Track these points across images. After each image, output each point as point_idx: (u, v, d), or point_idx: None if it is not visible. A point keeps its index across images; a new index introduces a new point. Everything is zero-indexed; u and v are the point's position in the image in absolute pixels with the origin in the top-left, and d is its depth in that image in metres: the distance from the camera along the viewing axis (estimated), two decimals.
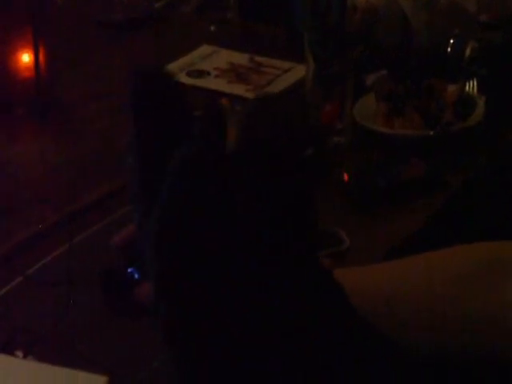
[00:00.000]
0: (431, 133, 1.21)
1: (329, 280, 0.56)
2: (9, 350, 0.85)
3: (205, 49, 1.55)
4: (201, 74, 1.46)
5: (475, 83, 1.30)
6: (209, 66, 1.48)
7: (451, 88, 1.27)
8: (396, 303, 0.79)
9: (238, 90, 1.40)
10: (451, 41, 1.36)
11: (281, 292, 0.52)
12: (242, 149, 0.50)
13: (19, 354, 0.85)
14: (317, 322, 0.53)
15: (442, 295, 0.78)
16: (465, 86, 1.29)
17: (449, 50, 1.36)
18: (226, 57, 1.51)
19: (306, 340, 0.53)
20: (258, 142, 0.50)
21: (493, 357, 0.75)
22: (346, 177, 1.14)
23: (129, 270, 0.90)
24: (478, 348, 0.75)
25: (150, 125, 0.53)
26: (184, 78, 1.44)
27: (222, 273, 0.49)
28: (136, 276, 0.90)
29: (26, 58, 1.36)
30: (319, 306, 0.54)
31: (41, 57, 1.36)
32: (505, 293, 0.74)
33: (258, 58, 1.50)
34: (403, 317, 0.79)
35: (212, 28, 1.63)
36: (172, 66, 1.49)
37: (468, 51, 1.32)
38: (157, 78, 0.53)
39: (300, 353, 0.52)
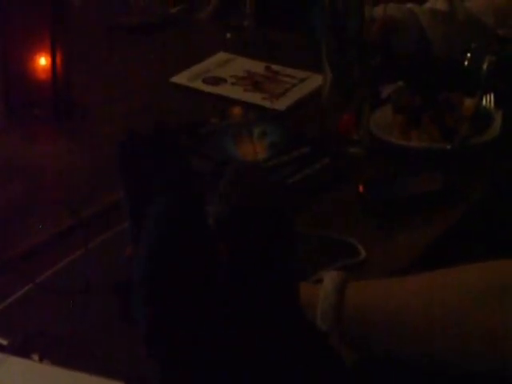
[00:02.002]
0: (448, 146, 1.21)
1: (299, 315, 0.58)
2: (25, 354, 0.85)
3: (221, 56, 1.55)
4: (217, 81, 1.46)
5: (492, 97, 1.30)
6: (225, 74, 1.48)
7: (468, 102, 1.27)
8: (399, 320, 0.80)
9: (254, 98, 1.40)
10: (468, 54, 1.36)
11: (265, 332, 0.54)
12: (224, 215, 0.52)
13: (35, 357, 0.85)
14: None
15: (439, 318, 0.78)
16: (482, 99, 1.29)
17: (466, 63, 1.36)
18: (242, 64, 1.51)
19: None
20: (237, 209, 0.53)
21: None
22: (361, 188, 1.14)
23: None
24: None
25: (135, 178, 0.58)
26: (200, 85, 1.45)
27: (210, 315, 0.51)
28: None
29: (43, 60, 1.37)
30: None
31: (58, 60, 1.37)
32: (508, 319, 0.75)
33: (275, 67, 1.50)
34: (405, 332, 0.80)
35: (228, 35, 1.64)
36: (188, 73, 1.49)
37: (485, 65, 1.32)
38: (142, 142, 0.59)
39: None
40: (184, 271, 0.53)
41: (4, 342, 0.87)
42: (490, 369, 0.78)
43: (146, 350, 0.54)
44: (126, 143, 0.61)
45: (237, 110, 1.36)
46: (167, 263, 0.53)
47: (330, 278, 0.84)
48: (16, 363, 0.84)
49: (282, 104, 1.38)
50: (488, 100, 1.30)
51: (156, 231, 0.53)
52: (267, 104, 1.38)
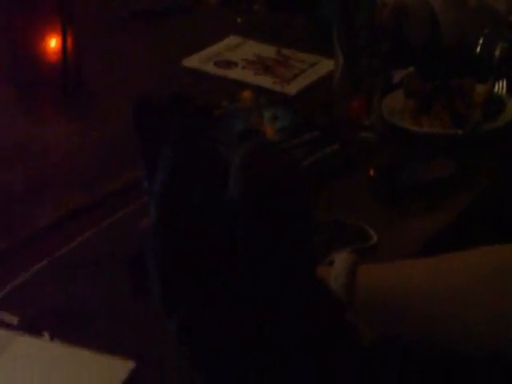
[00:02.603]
0: (459, 132, 1.21)
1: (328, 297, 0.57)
2: (35, 332, 0.85)
3: (232, 40, 1.54)
4: (228, 64, 1.46)
5: (504, 84, 1.29)
6: (236, 57, 1.48)
7: (480, 88, 1.27)
8: (407, 302, 0.80)
9: (265, 82, 1.40)
10: (481, 40, 1.36)
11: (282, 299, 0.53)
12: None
13: (46, 335, 0.85)
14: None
15: (445, 301, 0.78)
16: (494, 86, 1.29)
17: (478, 49, 1.35)
18: (252, 48, 1.51)
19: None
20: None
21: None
22: (372, 173, 1.14)
23: None
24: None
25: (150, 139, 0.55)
26: (211, 68, 1.44)
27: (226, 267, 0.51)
28: None
29: (53, 42, 1.37)
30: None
31: (68, 42, 1.36)
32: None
33: (285, 51, 1.49)
34: (412, 315, 0.79)
35: (238, 19, 1.63)
36: (199, 56, 1.48)
37: (498, 51, 1.31)
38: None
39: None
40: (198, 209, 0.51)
41: (14, 320, 0.87)
42: (491, 352, 0.78)
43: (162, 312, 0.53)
44: (140, 104, 0.58)
45: (247, 94, 1.36)
46: (180, 200, 0.51)
47: (341, 260, 0.84)
48: (26, 341, 0.84)
49: (292, 88, 1.38)
50: (500, 86, 1.29)
51: (170, 165, 0.51)
52: (278, 88, 1.38)
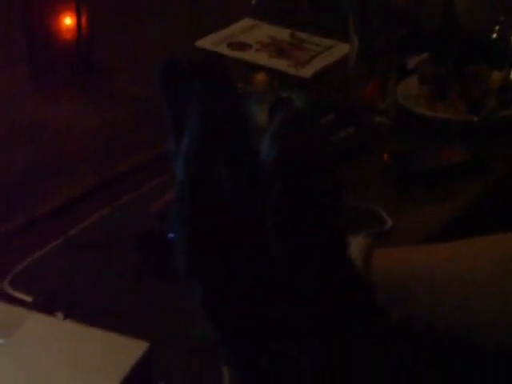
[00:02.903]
0: (474, 119, 1.20)
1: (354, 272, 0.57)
2: (49, 311, 0.85)
3: (246, 22, 1.54)
4: (242, 46, 1.45)
5: None
6: (250, 39, 1.47)
7: (495, 75, 1.26)
8: (425, 286, 0.79)
9: (280, 64, 1.39)
10: (497, 27, 1.35)
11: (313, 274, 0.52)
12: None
13: (59, 315, 0.85)
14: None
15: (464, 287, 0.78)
16: (509, 73, 1.28)
17: (494, 36, 1.35)
18: (266, 31, 1.50)
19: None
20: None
21: None
22: (386, 158, 1.13)
23: (169, 236, 0.90)
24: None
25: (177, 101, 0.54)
26: (225, 50, 1.44)
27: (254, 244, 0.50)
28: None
29: (68, 20, 1.36)
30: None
31: (83, 20, 1.36)
32: None
33: (299, 34, 1.49)
34: (439, 298, 0.79)
35: (252, 1, 1.62)
36: (213, 37, 1.48)
37: None
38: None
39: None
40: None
41: (28, 299, 0.87)
42: (502, 341, 0.78)
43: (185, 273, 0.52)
44: (167, 65, 0.56)
45: (261, 76, 1.35)
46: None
47: (356, 243, 0.84)
48: (40, 319, 0.84)
49: (307, 71, 1.37)
50: None
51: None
52: (292, 71, 1.37)
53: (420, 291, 0.81)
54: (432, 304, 0.80)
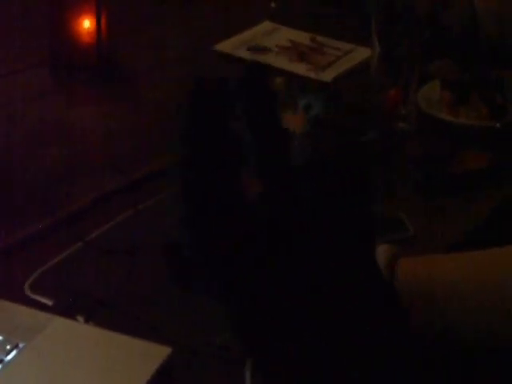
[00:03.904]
0: (497, 124, 1.19)
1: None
2: (70, 315, 0.85)
3: (266, 25, 1.53)
4: (262, 50, 1.44)
5: None
6: (270, 43, 1.47)
7: None
8: (451, 295, 0.79)
9: (300, 69, 1.39)
10: None
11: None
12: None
13: (80, 318, 0.85)
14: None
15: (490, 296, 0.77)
16: None
17: None
18: (287, 35, 1.50)
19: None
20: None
21: None
22: (408, 164, 1.12)
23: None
24: None
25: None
26: (245, 53, 1.43)
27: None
28: None
29: (87, 23, 1.36)
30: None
31: (103, 23, 1.36)
32: None
33: (320, 38, 1.48)
34: (463, 308, 0.79)
35: (272, 4, 1.62)
36: (233, 41, 1.47)
37: None
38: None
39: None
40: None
41: (50, 303, 0.87)
42: None
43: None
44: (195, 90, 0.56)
45: (280, 80, 1.34)
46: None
47: (381, 251, 0.83)
48: (61, 324, 0.83)
49: (327, 76, 1.37)
50: None
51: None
52: (312, 75, 1.37)
53: (444, 301, 0.80)
54: (455, 313, 0.80)
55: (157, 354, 0.79)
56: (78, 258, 0.93)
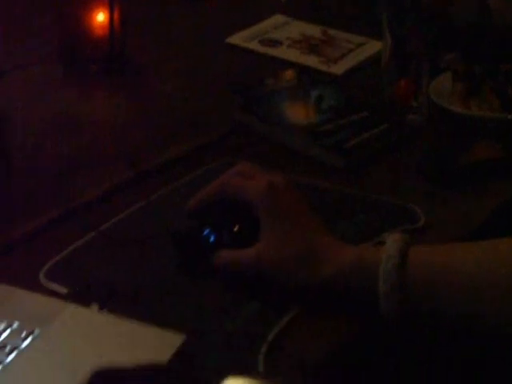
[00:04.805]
0: (508, 116, 1.19)
1: None
2: (84, 302, 0.85)
3: (277, 18, 1.54)
4: (273, 43, 1.45)
5: None
6: (281, 36, 1.47)
7: None
8: (463, 283, 0.79)
9: (311, 61, 1.39)
10: None
11: None
12: None
13: (95, 306, 0.85)
14: None
15: (503, 284, 0.78)
16: None
17: None
18: (298, 28, 1.50)
19: None
20: None
21: None
22: (420, 155, 1.13)
23: (204, 233, 0.90)
24: None
25: None
26: (256, 46, 1.44)
27: None
28: (211, 239, 0.90)
29: (100, 16, 1.37)
30: None
31: (115, 16, 1.36)
32: None
33: (331, 31, 1.48)
34: (475, 297, 0.79)
35: None
36: (244, 34, 1.48)
37: None
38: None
39: None
40: None
41: (64, 291, 0.87)
42: None
43: None
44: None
45: (291, 72, 1.35)
46: None
47: (392, 240, 0.84)
48: (75, 311, 0.84)
49: (339, 68, 1.37)
50: None
51: None
52: (324, 68, 1.37)
53: (456, 288, 0.80)
54: (466, 301, 0.80)
55: (171, 341, 0.80)
56: (92, 247, 0.94)
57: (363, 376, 0.84)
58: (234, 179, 0.90)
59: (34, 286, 0.87)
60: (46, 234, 0.95)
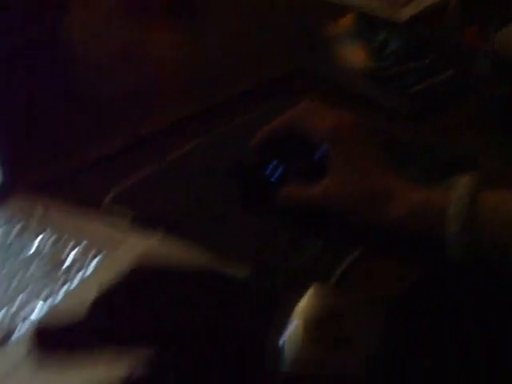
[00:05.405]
0: None
1: None
2: (149, 229, 0.86)
3: None
4: None
5: None
6: None
7: None
8: None
9: (374, 6, 1.37)
10: None
11: None
12: None
13: (159, 233, 0.86)
14: None
15: None
16: None
17: None
18: None
19: None
20: None
21: None
22: (484, 102, 1.11)
23: (271, 166, 0.90)
24: None
25: None
26: None
27: None
28: (277, 173, 0.90)
29: None
30: None
31: None
32: None
33: None
34: None
35: None
36: None
37: None
38: None
39: None
40: None
41: (129, 215, 0.88)
42: None
43: None
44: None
45: (353, 18, 1.33)
46: None
47: (462, 182, 0.83)
48: (140, 237, 0.84)
49: (404, 13, 1.35)
50: None
51: None
52: (389, 12, 1.35)
53: None
54: None
55: (234, 271, 0.80)
56: (158, 177, 0.94)
57: (425, 321, 0.84)
58: (303, 116, 0.90)
59: (100, 210, 0.88)
60: (111, 163, 0.96)
